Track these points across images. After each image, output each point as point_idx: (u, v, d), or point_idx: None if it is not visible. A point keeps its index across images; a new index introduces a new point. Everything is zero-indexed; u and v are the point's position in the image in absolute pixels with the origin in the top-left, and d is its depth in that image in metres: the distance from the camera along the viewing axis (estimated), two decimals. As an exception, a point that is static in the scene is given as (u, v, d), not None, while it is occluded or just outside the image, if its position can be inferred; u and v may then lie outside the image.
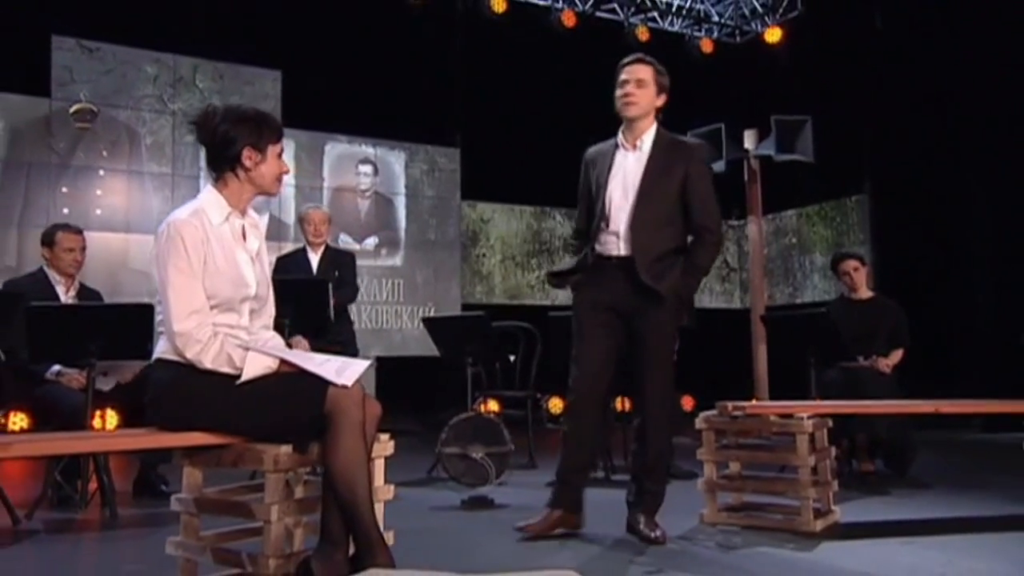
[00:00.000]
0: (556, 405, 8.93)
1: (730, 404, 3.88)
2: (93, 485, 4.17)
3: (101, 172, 7.88)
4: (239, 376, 2.41)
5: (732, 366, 8.74)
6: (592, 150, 3.71)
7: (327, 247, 5.63)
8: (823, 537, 3.51)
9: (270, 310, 2.77)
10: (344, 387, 2.36)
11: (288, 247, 7.32)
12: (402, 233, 9.15)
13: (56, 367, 4.39)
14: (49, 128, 7.70)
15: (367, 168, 9.04)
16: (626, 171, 3.54)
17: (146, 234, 7.84)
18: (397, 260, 9.11)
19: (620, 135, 3.60)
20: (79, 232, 4.62)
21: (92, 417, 4.12)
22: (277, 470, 2.38)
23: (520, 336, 6.23)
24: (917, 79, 8.25)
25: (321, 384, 2.36)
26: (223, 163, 2.61)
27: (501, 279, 9.72)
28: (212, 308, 2.50)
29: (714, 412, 3.92)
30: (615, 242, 3.50)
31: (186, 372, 2.43)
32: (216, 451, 2.48)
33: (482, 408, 8.09)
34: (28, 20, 7.40)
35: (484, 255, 9.65)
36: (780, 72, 9.57)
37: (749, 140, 7.88)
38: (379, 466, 2.69)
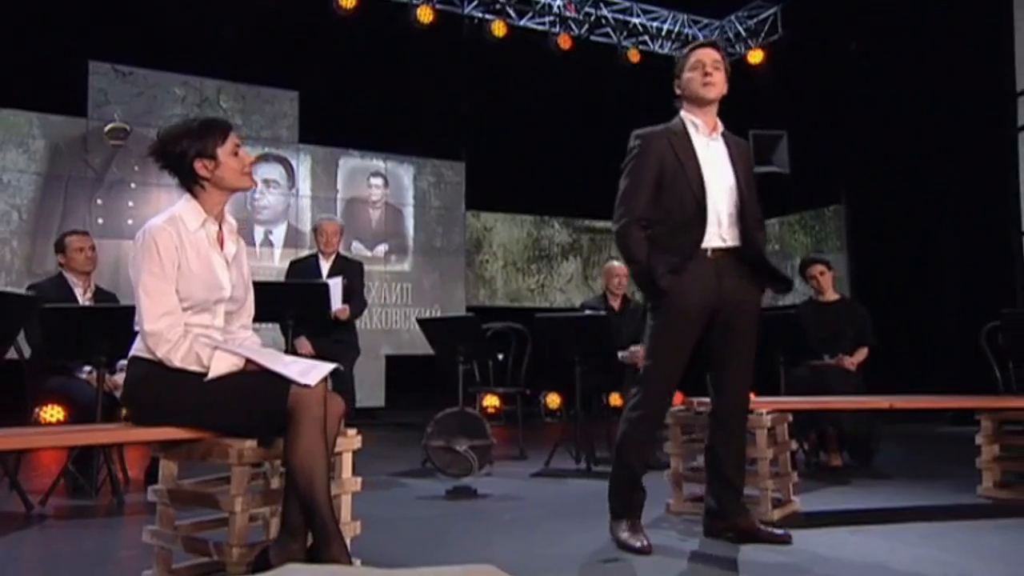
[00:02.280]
0: (553, 401, 8.84)
1: (696, 400, 3.79)
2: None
3: (133, 185, 7.87)
4: (207, 373, 2.34)
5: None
6: (649, 132, 3.13)
7: (338, 255, 5.55)
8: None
9: (249, 310, 2.69)
10: (306, 386, 2.27)
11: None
12: (411, 240, 9.09)
13: (87, 367, 4.37)
14: (86, 145, 7.71)
15: (378, 180, 8.99)
16: (713, 158, 3.09)
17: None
18: (406, 265, 9.05)
19: (690, 120, 3.13)
20: (85, 233, 4.64)
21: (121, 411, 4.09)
22: (242, 463, 2.30)
23: (512, 336, 6.14)
24: (889, 98, 8.12)
25: (284, 382, 2.28)
26: (185, 179, 2.51)
27: (503, 283, 9.64)
28: (186, 309, 2.42)
29: (680, 408, 3.84)
30: (716, 232, 3.05)
31: (158, 369, 2.36)
32: (187, 445, 2.40)
33: (482, 403, 8.07)
34: (67, 47, 7.44)
35: (487, 261, 9.58)
36: (763, 91, 9.45)
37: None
38: (346, 460, 2.61)
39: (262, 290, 4.95)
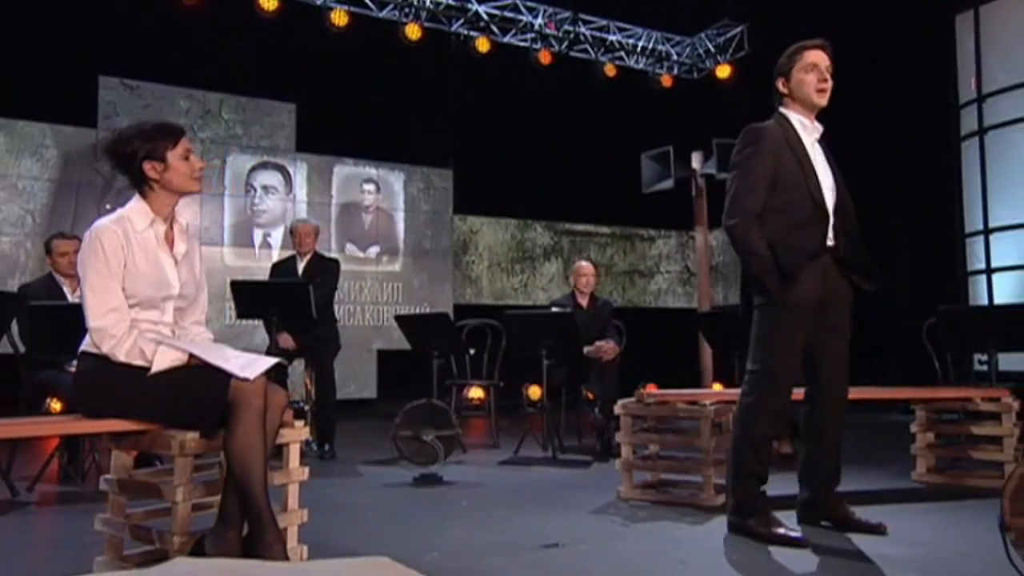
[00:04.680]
0: (535, 392, 8.71)
1: (645, 392, 3.70)
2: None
3: (139, 191, 7.76)
4: (151, 368, 2.24)
5: (690, 358, 8.60)
6: (762, 128, 2.90)
7: (315, 255, 5.44)
8: (720, 511, 3.29)
9: (202, 307, 2.58)
10: (245, 380, 2.18)
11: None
12: (401, 243, 8.97)
13: (76, 362, 4.27)
14: (95, 154, 7.58)
15: (370, 187, 8.87)
16: (818, 158, 2.92)
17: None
18: (397, 266, 8.93)
19: (798, 120, 2.92)
20: (73, 237, 4.52)
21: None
22: (183, 455, 2.21)
23: (487, 332, 6.04)
24: (844, 109, 7.99)
25: (225, 376, 2.19)
26: (134, 179, 2.41)
27: (488, 283, 9.53)
28: (133, 306, 2.33)
29: (632, 400, 3.74)
30: (830, 233, 2.88)
31: (105, 364, 2.26)
32: (134, 436, 2.31)
33: (468, 395, 7.98)
34: (79, 63, 7.34)
35: (473, 262, 9.46)
36: (731, 103, 9.36)
37: (696, 161, 7.67)
38: (294, 450, 2.50)
39: (247, 289, 4.98)
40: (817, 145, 2.98)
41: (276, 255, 8.07)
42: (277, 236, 8.27)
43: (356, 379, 8.39)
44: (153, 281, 2.36)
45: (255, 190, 8.26)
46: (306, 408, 5.45)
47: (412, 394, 8.18)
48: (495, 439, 5.71)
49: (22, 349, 4.21)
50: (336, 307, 7.49)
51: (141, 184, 2.42)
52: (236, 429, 2.15)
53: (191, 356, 2.27)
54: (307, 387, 5.52)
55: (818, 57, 2.91)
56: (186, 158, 2.43)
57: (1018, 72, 6.84)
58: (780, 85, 2.97)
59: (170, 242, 2.46)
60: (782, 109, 2.97)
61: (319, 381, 5.20)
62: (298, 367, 5.91)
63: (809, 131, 2.94)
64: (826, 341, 2.94)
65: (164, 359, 2.24)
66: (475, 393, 8.08)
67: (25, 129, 7.38)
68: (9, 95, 7.09)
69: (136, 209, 2.42)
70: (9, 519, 3.31)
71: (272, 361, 2.30)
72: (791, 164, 2.86)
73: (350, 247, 8.65)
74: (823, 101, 2.91)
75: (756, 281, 2.84)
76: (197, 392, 2.21)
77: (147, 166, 2.39)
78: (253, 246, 8.21)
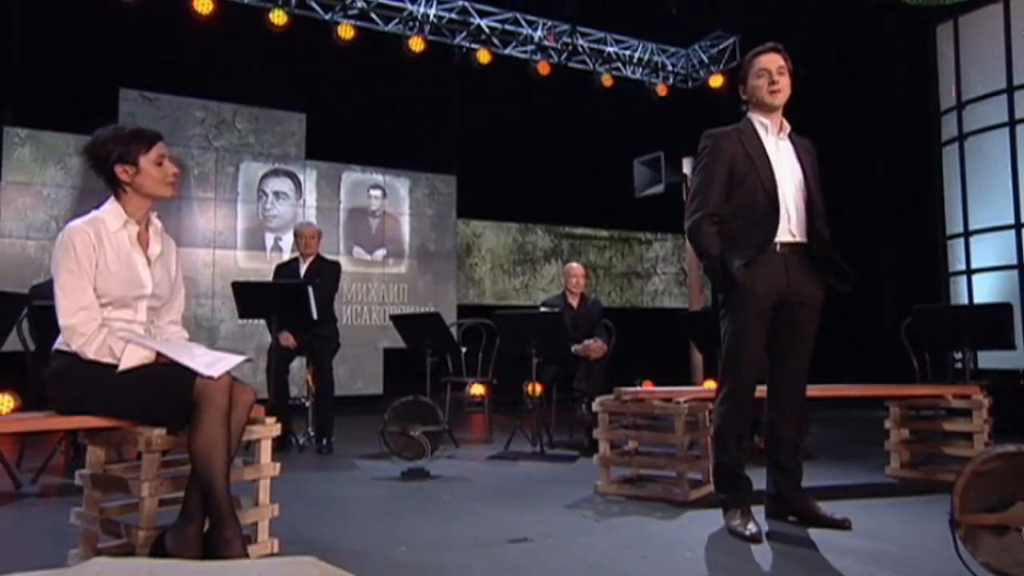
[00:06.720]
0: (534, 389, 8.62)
1: (622, 390, 3.61)
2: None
3: (157, 197, 7.73)
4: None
5: (685, 355, 8.50)
6: (719, 132, 2.87)
7: (317, 257, 5.38)
8: (692, 506, 3.21)
9: (177, 307, 2.51)
10: (210, 378, 2.11)
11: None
12: (407, 246, 8.91)
13: None
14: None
15: (377, 192, 8.81)
16: (782, 156, 2.84)
17: (194, 248, 7.75)
18: (402, 268, 8.87)
19: (759, 121, 2.87)
20: None
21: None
22: (150, 451, 2.15)
23: (482, 331, 5.96)
24: (832, 116, 7.87)
25: (190, 374, 2.12)
26: (108, 181, 2.37)
27: (491, 284, 9.44)
28: (105, 305, 2.27)
29: (610, 397, 3.66)
30: (786, 227, 2.78)
31: (75, 361, 2.20)
32: (107, 433, 2.25)
33: (470, 391, 7.91)
34: (101, 77, 7.34)
35: (476, 264, 9.39)
36: (723, 111, 9.23)
37: (687, 166, 7.55)
38: (264, 447, 2.44)
39: (248, 290, 4.92)
40: (784, 144, 2.90)
41: (287, 258, 8.02)
42: (288, 240, 8.22)
43: (363, 376, 8.35)
44: (125, 281, 2.30)
45: (267, 196, 8.23)
46: (306, 404, 5.40)
47: (416, 391, 8.13)
48: (489, 435, 5.62)
49: (32, 347, 4.18)
50: (344, 307, 7.45)
51: (115, 186, 2.37)
52: (199, 426, 2.08)
53: (159, 354, 2.21)
54: (308, 384, 5.47)
55: (768, 61, 2.87)
56: (159, 163, 2.38)
57: (995, 80, 6.70)
58: (741, 92, 2.96)
59: (144, 243, 2.41)
60: (748, 114, 2.94)
61: (318, 378, 5.14)
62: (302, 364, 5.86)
63: (771, 131, 2.88)
64: (788, 342, 2.85)
65: (132, 357, 2.18)
66: (476, 390, 8.02)
67: (50, 139, 7.38)
68: (36, 107, 7.13)
69: (110, 211, 2.36)
70: (6, 510, 3.27)
71: (238, 360, 2.23)
72: (746, 164, 2.81)
73: (357, 250, 8.60)
74: (776, 100, 2.85)
75: (712, 280, 2.84)
76: (163, 390, 2.15)
77: (119, 169, 2.33)
78: (265, 249, 8.18)
